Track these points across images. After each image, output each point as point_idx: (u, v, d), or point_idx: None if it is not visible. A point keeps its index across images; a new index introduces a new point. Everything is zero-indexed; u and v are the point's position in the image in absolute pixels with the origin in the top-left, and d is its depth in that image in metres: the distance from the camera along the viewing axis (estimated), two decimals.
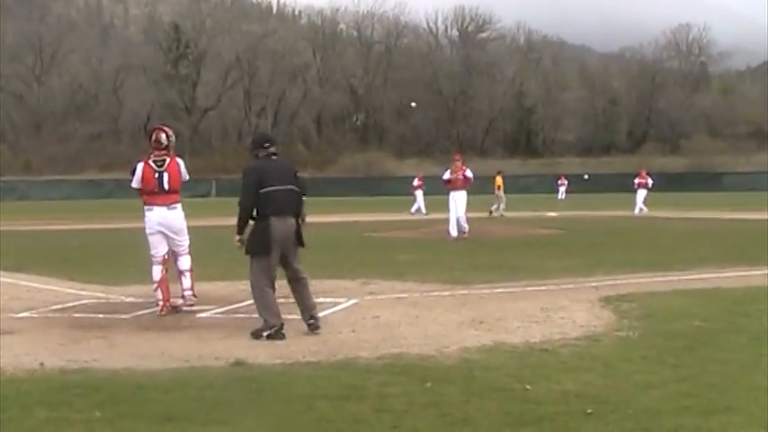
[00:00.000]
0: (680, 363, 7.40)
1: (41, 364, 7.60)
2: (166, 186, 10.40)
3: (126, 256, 14.76)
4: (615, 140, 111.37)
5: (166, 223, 10.49)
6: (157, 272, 10.55)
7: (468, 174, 23.73)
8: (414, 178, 43.70)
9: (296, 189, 9.41)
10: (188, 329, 9.46)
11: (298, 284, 9.41)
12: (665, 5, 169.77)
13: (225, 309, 10.78)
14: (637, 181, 40.25)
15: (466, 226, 23.36)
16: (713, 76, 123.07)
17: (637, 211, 38.55)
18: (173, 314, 10.35)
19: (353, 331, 9.17)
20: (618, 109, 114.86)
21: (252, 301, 11.25)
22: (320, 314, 10.28)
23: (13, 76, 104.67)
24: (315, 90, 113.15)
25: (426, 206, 40.25)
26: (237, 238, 9.31)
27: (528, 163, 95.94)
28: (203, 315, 10.40)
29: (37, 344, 8.63)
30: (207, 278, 13.71)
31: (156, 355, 8.07)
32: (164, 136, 10.55)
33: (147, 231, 10.61)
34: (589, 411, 5.90)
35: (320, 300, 11.43)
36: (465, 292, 12.23)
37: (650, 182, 40.03)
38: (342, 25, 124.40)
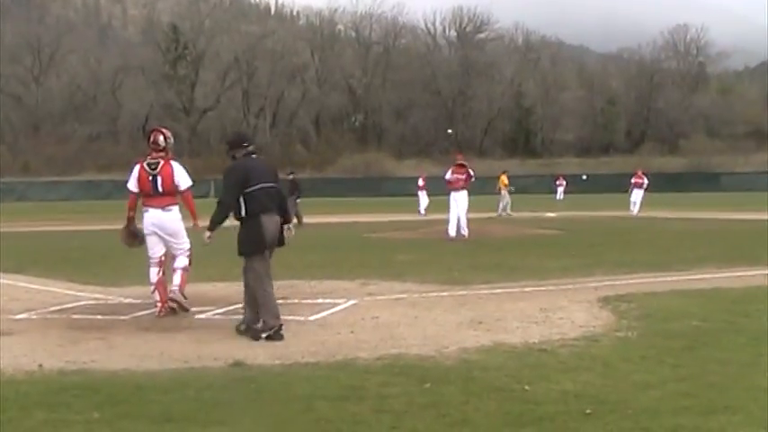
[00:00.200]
0: (679, 363, 7.40)
1: (40, 365, 7.60)
2: (160, 189, 10.37)
3: (124, 258, 14.75)
4: (614, 141, 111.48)
5: (160, 225, 10.46)
6: (154, 273, 10.54)
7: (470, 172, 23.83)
8: (418, 178, 43.66)
9: (278, 187, 9.39)
10: (187, 330, 9.45)
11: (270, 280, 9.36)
12: (663, 6, 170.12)
13: (224, 310, 10.77)
14: (633, 181, 40.24)
15: (466, 229, 23.36)
16: (711, 77, 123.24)
17: (635, 210, 38.53)
18: (171, 315, 10.32)
19: (352, 332, 9.16)
20: (616, 109, 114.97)
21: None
22: (319, 315, 10.30)
23: (11, 77, 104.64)
24: (313, 90, 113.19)
25: (425, 208, 40.29)
26: (208, 234, 9.28)
27: (526, 163, 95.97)
28: (202, 316, 10.39)
29: (36, 345, 8.62)
30: (205, 279, 13.72)
31: (154, 355, 8.07)
32: (161, 138, 10.53)
33: (144, 232, 10.61)
34: (588, 411, 5.90)
35: (319, 300, 11.46)
36: (464, 292, 12.22)
37: (646, 182, 40.02)
38: (340, 26, 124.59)
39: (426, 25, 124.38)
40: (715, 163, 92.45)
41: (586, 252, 18.79)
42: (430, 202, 40.58)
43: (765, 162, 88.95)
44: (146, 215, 10.49)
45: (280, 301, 11.27)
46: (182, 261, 10.60)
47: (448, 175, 23.98)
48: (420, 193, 41.83)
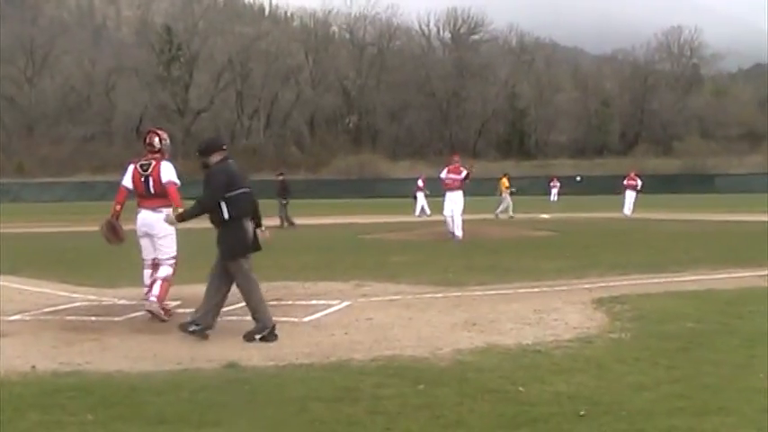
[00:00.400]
0: (673, 364, 7.41)
1: (34, 366, 7.59)
2: (152, 190, 10.34)
3: (118, 259, 14.74)
4: (608, 142, 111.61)
5: (150, 226, 10.40)
6: (147, 276, 10.52)
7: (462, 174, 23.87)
8: (417, 179, 43.59)
9: (253, 191, 9.41)
10: (181, 332, 9.43)
11: (228, 285, 9.33)
12: (657, 8, 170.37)
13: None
14: (625, 182, 40.28)
15: (460, 231, 23.39)
16: (705, 78, 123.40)
17: (627, 212, 38.57)
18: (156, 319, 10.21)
19: (347, 333, 9.16)
20: (610, 111, 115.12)
21: (244, 304, 11.25)
22: (313, 316, 10.29)
23: (4, 78, 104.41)
24: (307, 92, 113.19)
25: (422, 210, 40.30)
26: (177, 224, 9.46)
27: (521, 165, 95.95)
28: None
29: (29, 347, 8.61)
30: (200, 280, 13.68)
31: (148, 357, 8.06)
32: (156, 140, 10.51)
33: (138, 234, 10.58)
34: (582, 413, 5.91)
35: (313, 302, 11.45)
36: (458, 293, 12.23)
37: (639, 183, 40.06)
38: (334, 27, 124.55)
39: (420, 26, 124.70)
40: (709, 164, 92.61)
41: (581, 253, 18.80)
42: (429, 204, 40.57)
43: (759, 164, 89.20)
44: (138, 216, 10.47)
45: (273, 303, 11.29)
46: (164, 270, 10.43)
47: (443, 174, 24.05)
48: (418, 194, 41.77)
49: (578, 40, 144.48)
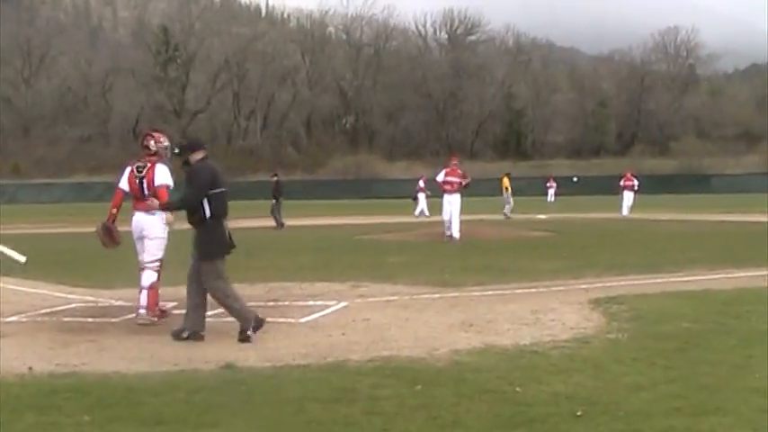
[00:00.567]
0: (670, 364, 7.41)
1: (30, 368, 7.58)
2: (146, 192, 10.30)
3: (115, 260, 14.71)
4: (604, 142, 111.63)
5: (142, 227, 10.36)
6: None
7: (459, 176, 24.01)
8: (418, 180, 43.59)
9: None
10: (175, 340, 9.42)
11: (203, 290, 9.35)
12: (653, 8, 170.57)
13: (214, 312, 10.72)
14: (622, 183, 40.26)
15: (458, 233, 23.46)
16: (702, 79, 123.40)
17: (625, 212, 38.60)
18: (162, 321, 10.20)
19: (344, 334, 9.16)
20: (607, 111, 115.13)
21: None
22: (310, 317, 10.29)
23: (1, 79, 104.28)
24: (304, 92, 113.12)
25: (422, 211, 40.35)
26: (156, 204, 9.57)
27: (517, 165, 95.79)
28: None
29: (26, 348, 8.60)
30: None
31: (145, 358, 8.06)
32: (152, 142, 10.46)
33: (133, 236, 10.56)
34: (579, 413, 5.91)
35: (310, 302, 11.45)
36: (455, 294, 12.23)
37: (636, 184, 40.08)
38: (331, 28, 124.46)
39: (417, 27, 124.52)
40: (705, 165, 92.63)
41: (577, 254, 18.81)
42: (429, 205, 40.65)
43: (756, 164, 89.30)
44: (132, 219, 10.44)
45: (270, 304, 11.30)
46: (148, 278, 10.28)
47: (440, 177, 24.09)
48: (420, 195, 41.82)
49: (575, 41, 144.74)
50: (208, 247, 9.08)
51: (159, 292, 10.39)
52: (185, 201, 9.19)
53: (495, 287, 12.95)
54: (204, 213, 9.02)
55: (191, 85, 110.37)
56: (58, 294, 12.80)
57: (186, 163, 9.33)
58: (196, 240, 9.15)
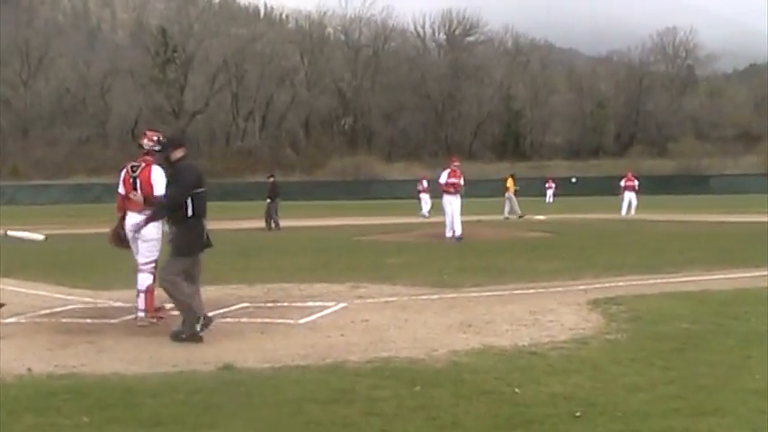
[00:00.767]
0: (668, 365, 7.42)
1: (29, 369, 7.57)
2: (140, 192, 10.27)
3: (114, 261, 14.70)
4: (603, 143, 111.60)
5: (137, 228, 10.35)
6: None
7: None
8: (420, 181, 43.66)
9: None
10: (173, 341, 9.42)
11: (193, 280, 9.37)
12: (652, 9, 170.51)
13: (214, 313, 10.70)
14: (623, 183, 40.21)
15: (460, 230, 23.63)
16: (700, 79, 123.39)
17: (624, 212, 38.57)
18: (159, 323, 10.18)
19: (342, 335, 9.16)
20: (605, 112, 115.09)
21: (240, 306, 11.27)
22: (309, 318, 10.29)
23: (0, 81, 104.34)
24: (303, 93, 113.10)
25: (428, 210, 40.48)
26: (141, 199, 9.58)
27: (516, 166, 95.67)
28: None
29: (25, 349, 8.60)
30: None
31: (144, 359, 8.05)
32: (144, 141, 10.45)
33: (128, 237, 10.56)
34: (578, 414, 5.91)
35: (309, 303, 11.45)
36: (454, 295, 12.24)
37: (636, 184, 40.10)
38: (329, 29, 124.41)
39: (416, 28, 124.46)
40: (704, 165, 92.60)
41: (576, 255, 18.81)
42: (431, 205, 40.87)
43: (754, 164, 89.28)
44: (127, 219, 10.43)
45: (269, 305, 11.31)
46: (143, 281, 10.25)
47: (444, 179, 24.16)
48: (423, 195, 41.99)
49: (573, 42, 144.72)
50: (182, 244, 9.15)
51: (156, 293, 10.38)
52: (170, 201, 9.22)
53: (494, 288, 12.95)
54: (186, 212, 9.04)
55: (189, 87, 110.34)
56: (56, 295, 12.80)
57: (167, 160, 9.33)
58: (174, 237, 9.19)
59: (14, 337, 9.31)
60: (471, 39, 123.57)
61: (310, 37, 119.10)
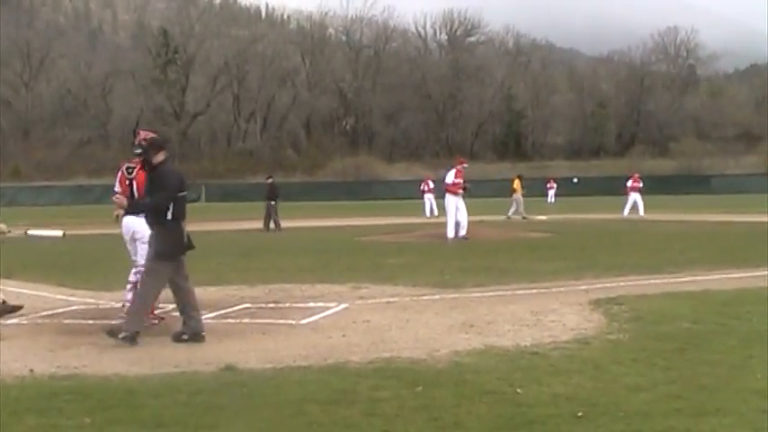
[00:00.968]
0: (670, 365, 7.41)
1: (31, 370, 7.58)
2: (136, 194, 10.27)
3: (116, 262, 14.71)
4: (604, 143, 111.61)
5: (133, 229, 10.34)
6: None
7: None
8: (425, 181, 43.71)
9: None
10: (175, 342, 9.41)
11: (184, 281, 9.36)
12: (653, 9, 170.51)
13: (215, 314, 10.75)
14: (630, 184, 40.02)
15: (465, 231, 23.73)
16: (701, 79, 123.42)
17: (626, 212, 38.47)
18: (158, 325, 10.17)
19: (344, 335, 9.16)
20: (606, 112, 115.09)
21: (241, 306, 11.27)
22: (311, 318, 10.29)
23: (1, 82, 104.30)
24: (304, 94, 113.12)
25: (431, 211, 40.58)
26: (125, 202, 9.48)
27: (517, 166, 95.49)
28: None
29: (26, 350, 8.60)
30: (197, 284, 13.67)
31: (146, 360, 8.05)
32: (136, 142, 10.38)
33: (124, 238, 10.56)
34: (579, 414, 5.91)
35: (310, 304, 11.45)
36: (455, 295, 12.23)
37: (641, 185, 40.04)
38: (330, 29, 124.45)
39: (417, 28, 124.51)
40: (705, 165, 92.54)
41: (577, 255, 18.81)
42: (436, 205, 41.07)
43: (755, 164, 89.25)
44: (123, 221, 10.43)
45: (271, 305, 11.30)
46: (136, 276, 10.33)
47: (451, 179, 24.14)
48: (427, 195, 42.10)
49: (574, 42, 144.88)
50: (163, 248, 9.12)
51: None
52: (156, 205, 9.18)
53: (496, 288, 12.95)
54: (166, 216, 9.04)
55: (190, 88, 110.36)
56: (58, 296, 12.81)
57: (148, 163, 9.30)
58: (153, 240, 9.19)
59: (16, 338, 9.31)
60: (472, 39, 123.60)
61: (311, 38, 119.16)
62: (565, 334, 9.00)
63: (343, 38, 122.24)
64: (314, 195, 78.13)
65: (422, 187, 43.52)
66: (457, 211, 23.89)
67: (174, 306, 10.84)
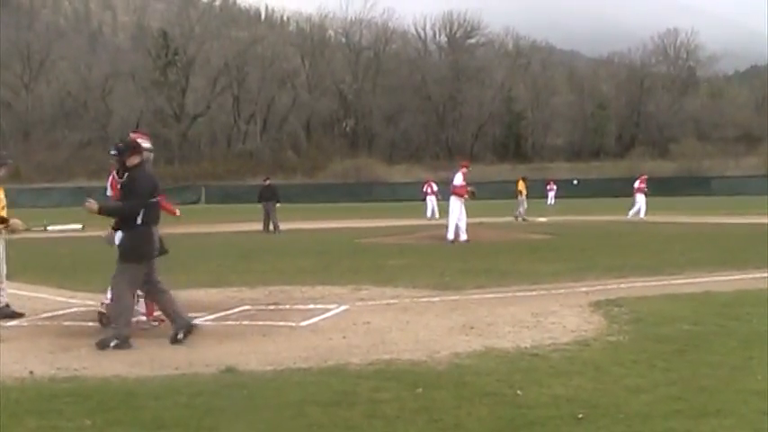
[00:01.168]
0: (670, 366, 7.42)
1: (31, 372, 7.58)
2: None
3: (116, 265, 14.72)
4: (604, 145, 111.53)
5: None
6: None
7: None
8: (429, 184, 43.76)
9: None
10: (172, 344, 9.41)
11: (156, 284, 9.36)
12: (652, 10, 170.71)
13: (215, 316, 10.76)
14: (637, 185, 39.90)
15: (465, 234, 23.78)
16: (701, 81, 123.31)
17: (631, 214, 38.35)
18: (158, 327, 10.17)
19: (344, 337, 9.16)
20: (607, 113, 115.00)
21: (242, 308, 11.28)
22: (311, 320, 10.29)
23: (1, 84, 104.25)
24: (304, 96, 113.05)
25: (437, 212, 40.71)
26: (95, 207, 9.22)
27: (517, 168, 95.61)
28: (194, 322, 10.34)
29: (26, 352, 8.60)
30: (197, 285, 13.71)
31: (146, 362, 8.05)
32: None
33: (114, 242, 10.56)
34: (580, 416, 5.91)
35: (310, 306, 11.45)
36: (455, 297, 12.24)
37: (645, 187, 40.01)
38: (330, 31, 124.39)
39: (417, 30, 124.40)
40: (705, 167, 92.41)
41: (578, 256, 18.81)
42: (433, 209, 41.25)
43: (755, 166, 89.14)
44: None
45: (271, 307, 11.30)
46: None
47: (459, 181, 24.19)
48: (429, 197, 42.22)
49: (574, 43, 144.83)
50: (131, 251, 9.12)
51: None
52: (125, 210, 9.18)
53: (496, 290, 12.96)
54: (136, 220, 9.04)
55: (190, 89, 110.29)
56: (58, 298, 12.83)
57: (123, 165, 9.29)
58: (121, 243, 9.20)
59: (16, 340, 9.32)
60: (472, 41, 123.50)
61: (311, 39, 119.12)
62: (565, 335, 9.00)
63: (343, 39, 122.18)
64: (314, 197, 78.11)
65: (424, 189, 43.63)
66: (459, 215, 23.98)
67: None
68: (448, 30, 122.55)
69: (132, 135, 10.43)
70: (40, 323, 10.56)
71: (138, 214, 9.04)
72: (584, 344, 8.53)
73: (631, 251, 20.27)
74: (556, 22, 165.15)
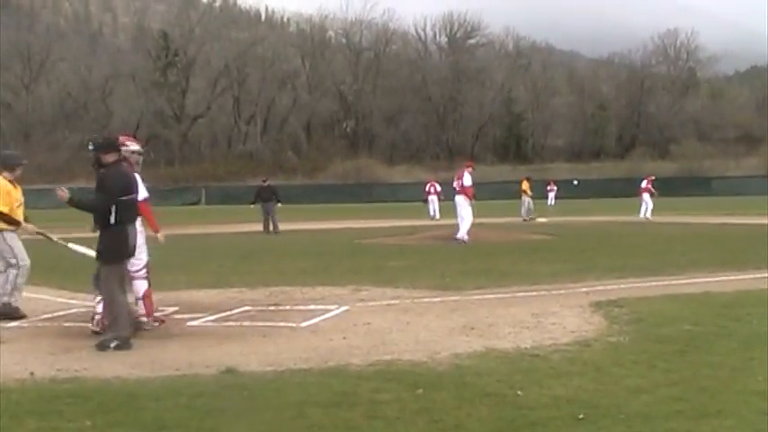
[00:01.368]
0: (671, 367, 7.41)
1: (31, 373, 7.57)
2: None
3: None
4: (604, 146, 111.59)
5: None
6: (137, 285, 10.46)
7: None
8: (432, 184, 43.85)
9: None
10: (179, 337, 9.43)
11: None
12: (653, 11, 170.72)
13: (216, 317, 10.75)
14: (644, 185, 39.83)
15: (467, 235, 23.81)
16: (702, 81, 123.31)
17: (642, 214, 38.26)
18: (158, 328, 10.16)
19: (345, 338, 9.15)
20: (607, 114, 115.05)
21: (242, 309, 11.28)
22: (311, 321, 10.28)
23: (1, 85, 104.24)
24: (304, 97, 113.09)
25: (434, 213, 40.82)
26: (67, 197, 9.36)
27: (518, 169, 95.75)
28: (194, 323, 10.35)
29: (27, 353, 8.60)
30: (198, 286, 13.70)
31: (146, 363, 8.05)
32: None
33: None
34: (581, 416, 5.91)
35: (311, 307, 11.44)
36: (456, 298, 12.23)
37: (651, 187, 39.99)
38: (330, 32, 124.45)
39: (417, 31, 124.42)
40: (706, 167, 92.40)
41: (578, 257, 18.80)
42: (433, 209, 41.38)
43: (756, 166, 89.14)
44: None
45: (272, 308, 11.30)
46: (139, 287, 10.30)
47: (469, 182, 24.21)
48: (431, 198, 42.37)
49: (574, 44, 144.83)
50: (107, 251, 9.16)
51: (150, 302, 10.35)
52: (95, 206, 9.26)
53: (496, 291, 12.95)
54: (109, 219, 9.02)
55: (191, 90, 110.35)
56: (59, 299, 12.81)
57: (99, 162, 9.30)
58: (98, 243, 9.24)
59: (17, 342, 9.32)
60: (472, 41, 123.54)
61: (311, 40, 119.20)
62: (565, 336, 8.99)
63: (344, 40, 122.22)
64: (314, 198, 78.14)
65: (427, 189, 43.71)
66: (465, 216, 24.01)
67: (175, 309, 10.89)
68: (448, 30, 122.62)
69: (121, 137, 10.42)
70: (40, 324, 10.56)
71: (110, 212, 9.03)
72: (585, 344, 8.52)
73: (632, 252, 20.26)
74: (556, 22, 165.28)
